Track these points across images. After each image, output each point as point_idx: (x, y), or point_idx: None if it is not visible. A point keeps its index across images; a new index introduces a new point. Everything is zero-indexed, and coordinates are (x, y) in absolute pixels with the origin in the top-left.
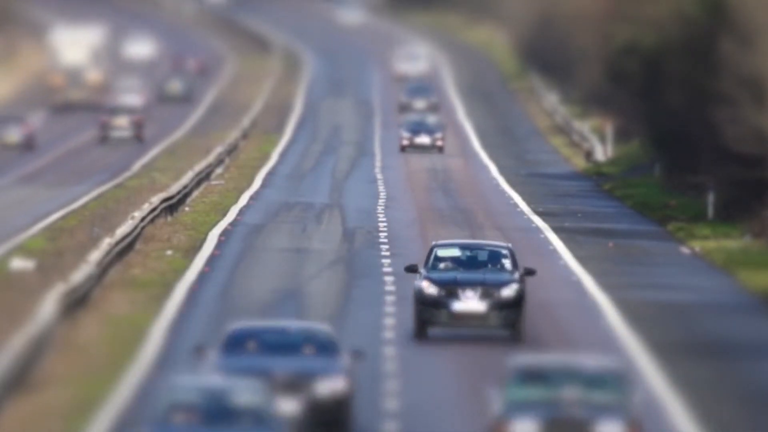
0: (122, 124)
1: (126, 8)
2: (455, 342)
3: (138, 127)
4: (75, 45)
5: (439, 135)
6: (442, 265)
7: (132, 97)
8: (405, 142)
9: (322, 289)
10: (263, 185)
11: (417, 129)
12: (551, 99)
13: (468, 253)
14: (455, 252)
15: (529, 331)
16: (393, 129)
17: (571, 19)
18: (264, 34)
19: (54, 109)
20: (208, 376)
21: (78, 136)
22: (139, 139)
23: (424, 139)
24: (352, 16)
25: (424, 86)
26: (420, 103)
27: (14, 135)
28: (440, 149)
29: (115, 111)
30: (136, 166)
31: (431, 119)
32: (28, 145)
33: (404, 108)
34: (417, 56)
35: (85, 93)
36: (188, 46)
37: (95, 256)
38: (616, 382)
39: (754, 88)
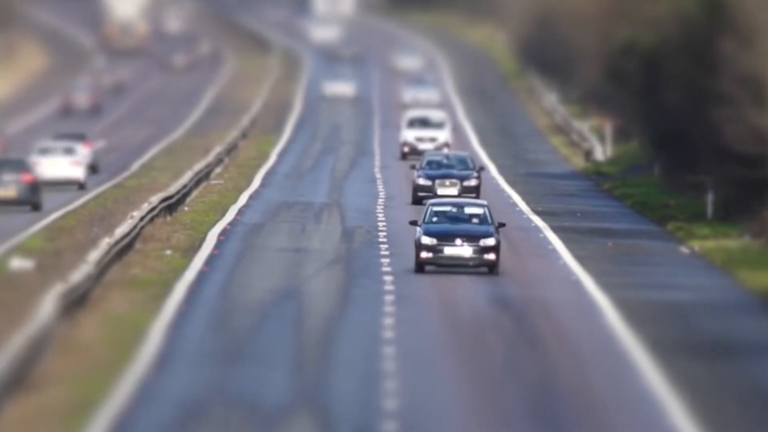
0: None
1: None
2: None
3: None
4: (127, 1)
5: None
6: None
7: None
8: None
9: (321, 288)
10: (262, 185)
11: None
12: (550, 98)
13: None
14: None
15: (529, 330)
16: (393, 129)
17: (571, 19)
18: (264, 34)
19: (109, 55)
20: None
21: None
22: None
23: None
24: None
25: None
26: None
27: (83, 100)
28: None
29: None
30: (135, 165)
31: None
32: (95, 110)
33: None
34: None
35: (135, 41)
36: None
37: (94, 255)
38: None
39: (754, 88)
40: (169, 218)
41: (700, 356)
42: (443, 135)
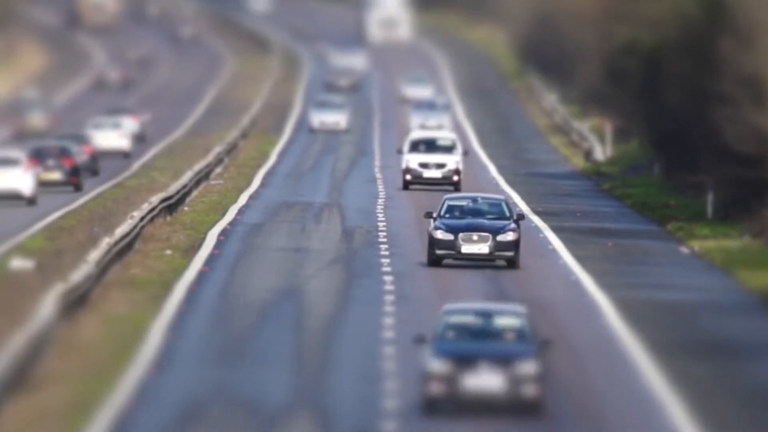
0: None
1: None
2: None
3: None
4: None
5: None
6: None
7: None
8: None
9: (321, 288)
10: (262, 185)
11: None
12: (550, 98)
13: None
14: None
15: None
16: (393, 129)
17: (571, 19)
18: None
19: (84, 32)
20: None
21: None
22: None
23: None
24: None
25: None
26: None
27: (115, 75)
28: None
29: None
30: (135, 165)
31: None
32: (125, 85)
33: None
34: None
35: (105, 18)
36: (188, 46)
37: (94, 255)
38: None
39: (754, 88)
40: (169, 218)
41: (700, 356)
42: (453, 160)
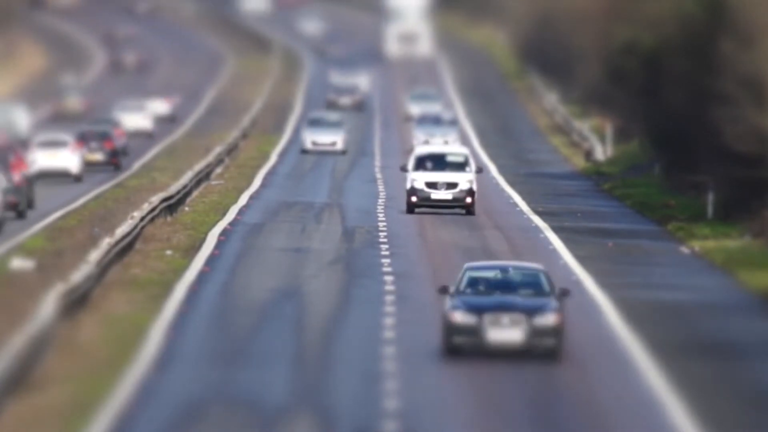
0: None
1: (125, 8)
2: None
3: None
4: None
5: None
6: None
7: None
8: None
9: (321, 288)
10: (263, 185)
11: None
12: (551, 98)
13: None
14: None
15: None
16: (393, 129)
17: (571, 19)
18: (263, 34)
19: (48, 13)
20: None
21: None
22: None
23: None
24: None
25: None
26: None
27: (131, 59)
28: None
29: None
30: (136, 165)
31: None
32: (142, 68)
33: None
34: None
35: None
36: (188, 45)
37: (95, 255)
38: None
39: (754, 88)
40: (169, 218)
41: (700, 356)
42: (465, 179)
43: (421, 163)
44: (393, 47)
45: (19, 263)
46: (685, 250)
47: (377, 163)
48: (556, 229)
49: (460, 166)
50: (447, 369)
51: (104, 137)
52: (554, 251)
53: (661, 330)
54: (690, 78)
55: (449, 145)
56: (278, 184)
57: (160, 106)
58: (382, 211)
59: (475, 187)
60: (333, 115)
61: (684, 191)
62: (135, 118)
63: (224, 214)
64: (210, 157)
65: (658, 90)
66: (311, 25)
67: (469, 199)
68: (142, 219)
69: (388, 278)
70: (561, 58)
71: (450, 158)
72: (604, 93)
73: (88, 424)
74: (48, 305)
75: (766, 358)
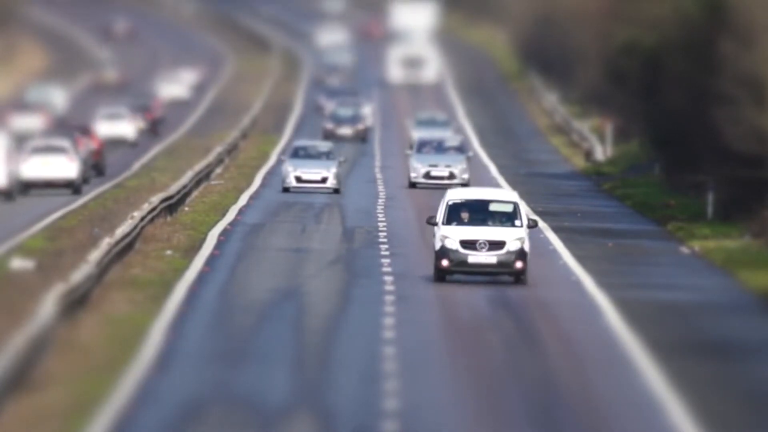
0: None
1: (125, 8)
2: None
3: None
4: None
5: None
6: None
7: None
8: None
9: (321, 288)
10: (263, 185)
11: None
12: (551, 98)
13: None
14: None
15: (529, 330)
16: (393, 129)
17: (571, 19)
18: (263, 34)
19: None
20: None
21: None
22: None
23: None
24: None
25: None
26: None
27: (121, 26)
28: None
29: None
30: (136, 166)
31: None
32: (131, 37)
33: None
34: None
35: None
36: (188, 45)
37: (95, 255)
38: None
39: (754, 88)
40: (169, 218)
41: (700, 356)
42: (514, 236)
43: (454, 214)
44: (396, 72)
45: (19, 263)
46: (685, 250)
47: (377, 163)
48: (556, 229)
49: (508, 218)
50: (447, 369)
51: (146, 109)
52: (554, 251)
53: (660, 330)
54: (690, 78)
55: (493, 190)
56: (278, 183)
57: (189, 76)
58: (382, 211)
59: (527, 248)
60: (324, 145)
61: (684, 191)
62: (171, 88)
63: (224, 214)
64: (210, 157)
65: (658, 90)
66: (343, 57)
67: (519, 264)
68: (142, 219)
69: (388, 278)
70: (561, 59)
71: (494, 207)
72: (604, 93)
73: (88, 425)
74: (48, 305)
75: (766, 358)
